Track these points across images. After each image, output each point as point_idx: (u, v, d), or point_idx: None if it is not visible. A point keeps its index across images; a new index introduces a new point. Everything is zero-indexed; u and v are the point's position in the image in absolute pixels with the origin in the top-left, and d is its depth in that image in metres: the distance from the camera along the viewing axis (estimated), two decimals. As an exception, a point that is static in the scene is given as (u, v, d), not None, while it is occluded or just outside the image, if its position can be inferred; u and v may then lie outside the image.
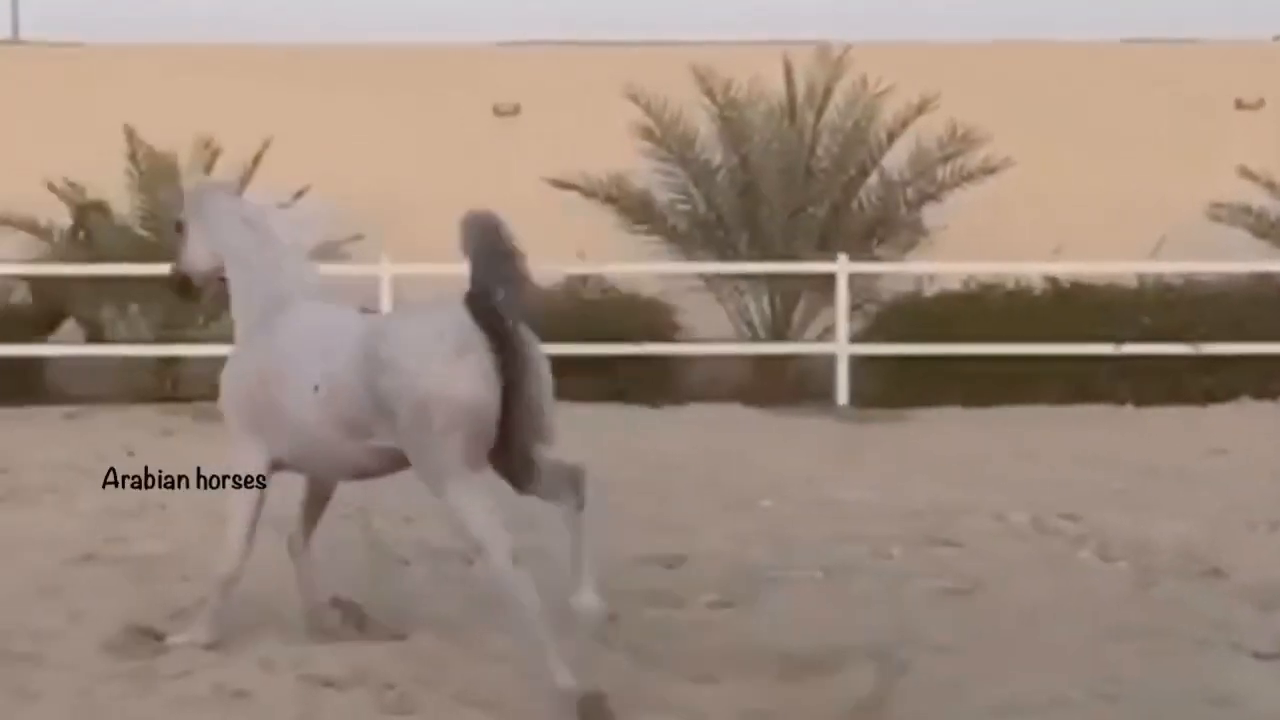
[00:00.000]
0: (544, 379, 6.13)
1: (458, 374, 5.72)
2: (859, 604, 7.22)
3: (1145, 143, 18.78)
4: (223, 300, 15.54)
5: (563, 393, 14.30)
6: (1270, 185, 15.84)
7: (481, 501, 5.92)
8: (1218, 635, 6.69)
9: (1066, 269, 15.24)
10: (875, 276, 15.52)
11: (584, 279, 15.47)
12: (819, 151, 15.69)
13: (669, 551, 8.18)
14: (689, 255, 15.93)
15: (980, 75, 18.42)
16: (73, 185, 15.27)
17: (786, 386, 15.19)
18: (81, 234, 15.33)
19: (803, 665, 6.27)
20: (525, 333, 5.99)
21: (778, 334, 15.62)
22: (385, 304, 14.71)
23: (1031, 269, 15.28)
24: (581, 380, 14.54)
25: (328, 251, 15.53)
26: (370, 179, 19.10)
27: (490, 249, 5.93)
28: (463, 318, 5.80)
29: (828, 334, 15.34)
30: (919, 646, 6.50)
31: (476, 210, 6.11)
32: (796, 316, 15.72)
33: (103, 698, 5.81)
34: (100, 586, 7.37)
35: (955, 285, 15.29)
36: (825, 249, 15.26)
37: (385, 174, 19.17)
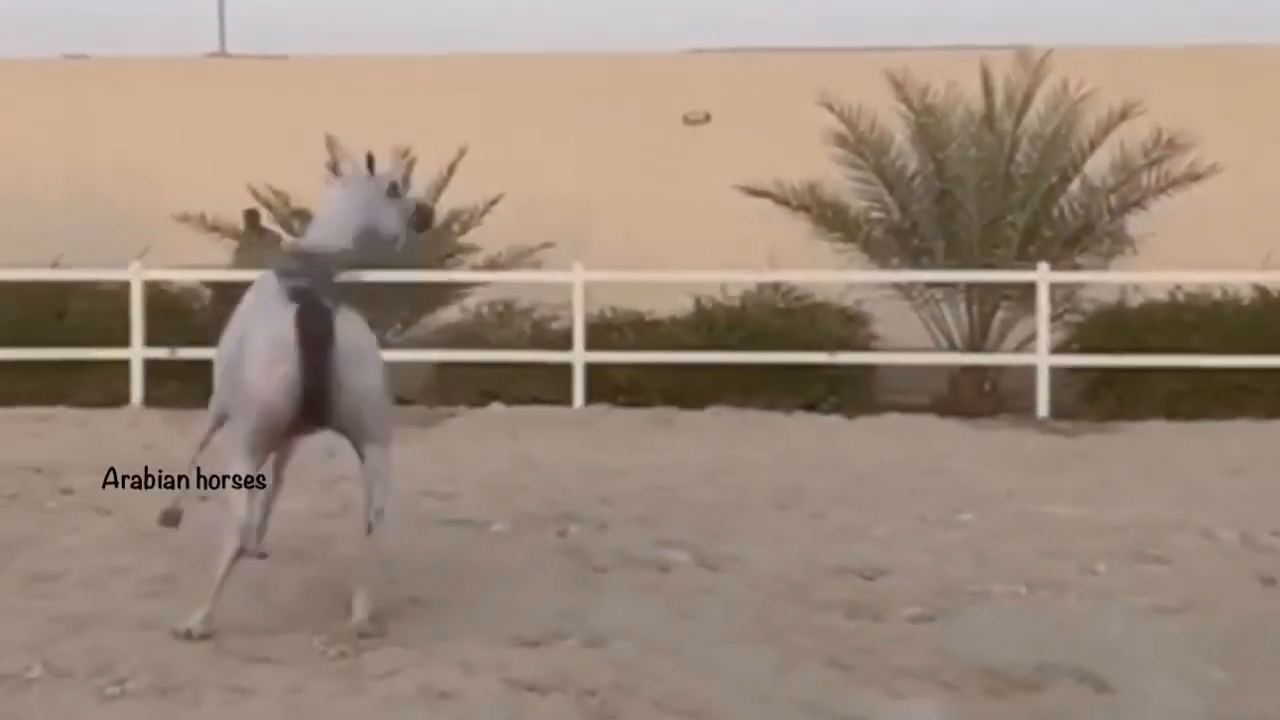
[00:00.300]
0: (355, 390, 6.93)
1: (267, 381, 6.78)
2: (1064, 621, 7.04)
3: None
4: (417, 306, 15.95)
5: (756, 401, 14.48)
6: None
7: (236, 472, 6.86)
8: None
9: (1276, 278, 14.73)
10: (1077, 286, 15.21)
11: (776, 287, 15.41)
12: (1018, 158, 15.42)
13: (868, 563, 8.08)
14: (883, 263, 15.77)
15: (1186, 79, 17.93)
16: (276, 193, 15.67)
17: (985, 397, 14.97)
18: (250, 239, 15.67)
19: (1006, 682, 6.13)
20: (347, 342, 6.95)
21: (975, 344, 15.38)
22: (578, 312, 14.82)
23: (1239, 278, 14.83)
24: (775, 389, 14.57)
25: (521, 259, 15.77)
26: (562, 187, 19.34)
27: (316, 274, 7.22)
28: (286, 331, 6.81)
29: (1027, 344, 15.06)
30: (1129, 666, 6.32)
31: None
32: (995, 326, 15.46)
33: (314, 696, 5.91)
34: (309, 586, 7.51)
35: (1160, 295, 14.91)
36: (1024, 258, 15.01)
37: (577, 182, 19.38)
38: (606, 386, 14.74)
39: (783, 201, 15.91)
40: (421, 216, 8.41)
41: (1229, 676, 6.23)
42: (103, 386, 14.96)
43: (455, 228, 15.78)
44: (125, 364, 14.95)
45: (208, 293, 15.87)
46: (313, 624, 6.83)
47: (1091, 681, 6.13)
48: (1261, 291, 14.71)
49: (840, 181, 15.90)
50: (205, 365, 14.60)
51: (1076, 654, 6.44)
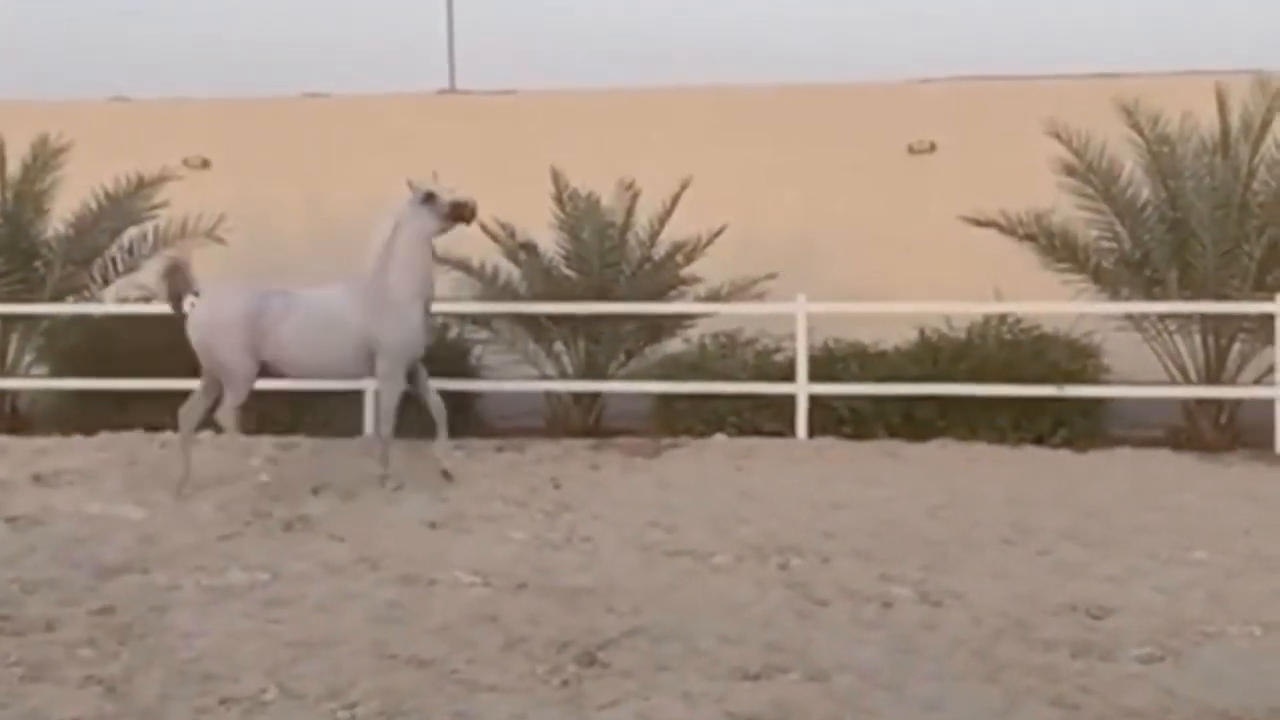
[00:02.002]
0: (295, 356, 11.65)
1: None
2: (1305, 666, 6.80)
3: None
4: (640, 338, 16.06)
5: (982, 434, 14.21)
6: None
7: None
8: None
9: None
10: (1317, 316, 14.63)
11: (1002, 319, 15.19)
12: (1255, 186, 14.92)
13: (1097, 601, 7.91)
14: (1113, 294, 15.41)
15: None
16: (504, 226, 15.98)
17: (1220, 431, 14.51)
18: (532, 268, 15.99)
19: (1241, 727, 5.96)
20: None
21: (1211, 376, 14.92)
22: (801, 343, 14.81)
23: None
24: (1001, 422, 14.34)
25: (744, 290, 15.81)
26: (786, 217, 19.35)
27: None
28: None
29: (1266, 377, 14.56)
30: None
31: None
32: (1231, 358, 14.97)
33: (537, 722, 6.04)
34: (533, 615, 7.66)
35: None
36: (1262, 288, 14.51)
37: (800, 212, 19.37)
38: (829, 418, 14.68)
39: (1009, 231, 15.66)
40: (456, 210, 11.77)
41: None
42: (338, 416, 15.43)
43: (679, 259, 15.89)
44: (359, 394, 15.41)
45: (437, 325, 16.24)
46: (537, 652, 6.97)
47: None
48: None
49: (1068, 211, 15.57)
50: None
51: (1317, 701, 6.22)
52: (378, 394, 12.30)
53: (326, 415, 15.42)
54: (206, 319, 11.50)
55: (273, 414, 14.92)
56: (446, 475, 11.76)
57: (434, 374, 15.27)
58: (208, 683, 6.52)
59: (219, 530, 10.03)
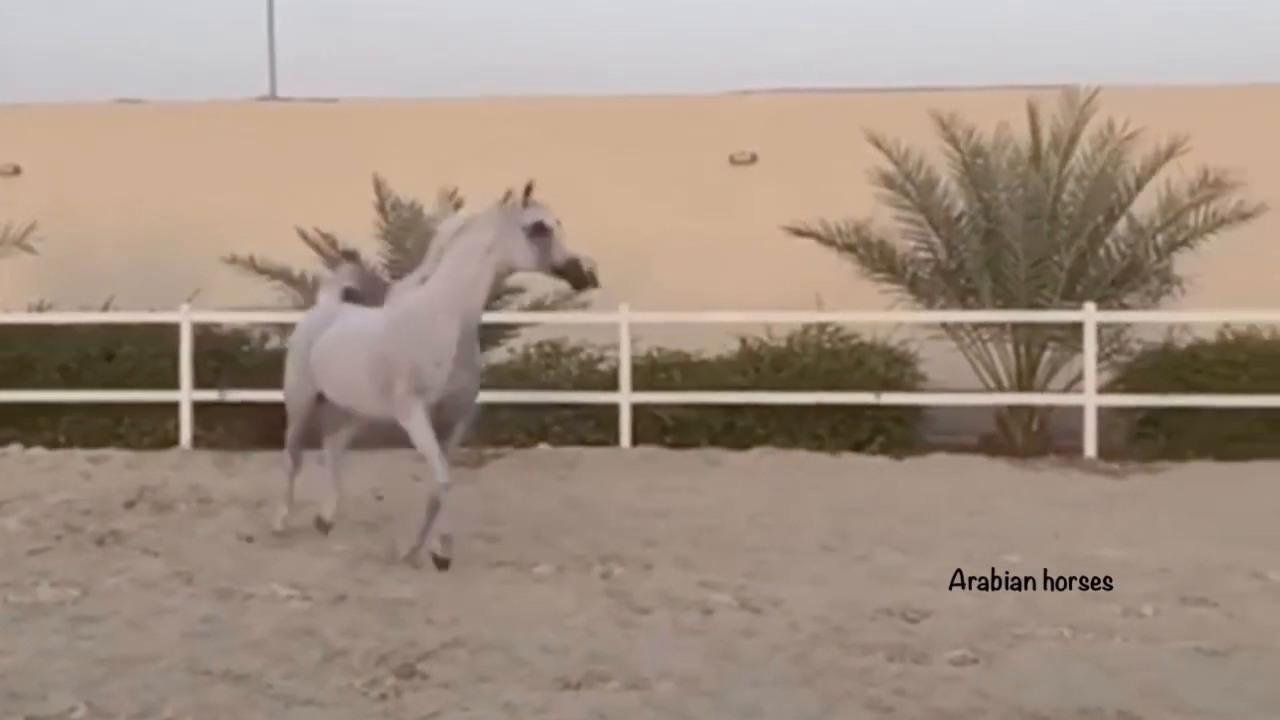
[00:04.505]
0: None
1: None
2: (1108, 664, 6.99)
3: None
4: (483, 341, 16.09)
5: (802, 442, 14.43)
6: None
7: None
8: None
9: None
10: (1124, 326, 15.13)
11: (822, 328, 15.41)
12: (1064, 198, 15.38)
13: (912, 606, 8.05)
14: (929, 303, 15.74)
15: (1234, 118, 17.82)
16: (325, 235, 15.79)
17: (1032, 438, 14.90)
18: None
19: (1051, 725, 6.10)
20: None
21: (1023, 384, 15.31)
22: (624, 352, 14.87)
23: (1289, 317, 14.72)
24: (821, 430, 14.55)
25: (567, 299, 15.83)
26: (609, 228, 19.37)
27: None
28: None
29: (1075, 384, 14.99)
30: (1173, 709, 6.27)
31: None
32: (1042, 366, 15.39)
33: (354, 737, 5.95)
34: (352, 627, 7.56)
35: (1208, 334, 14.81)
36: (1071, 297, 14.95)
37: (623, 223, 19.43)
38: (653, 427, 14.77)
39: (828, 242, 15.92)
40: (573, 267, 8.73)
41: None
42: (152, 428, 15.12)
43: (502, 269, 15.85)
44: (175, 406, 15.10)
45: (257, 334, 16.02)
46: (356, 665, 6.88)
47: (1136, 723, 6.09)
48: (1319, 327, 14.61)
49: (887, 222, 15.88)
50: (254, 407, 14.86)
51: (1120, 697, 6.40)
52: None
53: (144, 426, 15.10)
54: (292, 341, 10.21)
55: (85, 424, 14.58)
56: (438, 560, 8.98)
57: (253, 385, 15.13)
58: (14, 702, 6.31)
59: (28, 545, 9.73)
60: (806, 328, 15.42)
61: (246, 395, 14.97)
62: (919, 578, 8.82)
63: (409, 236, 15.67)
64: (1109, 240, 15.39)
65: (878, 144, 15.60)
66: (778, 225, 15.96)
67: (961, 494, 12.03)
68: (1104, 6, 33.57)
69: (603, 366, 15.27)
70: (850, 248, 15.88)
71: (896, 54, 30.48)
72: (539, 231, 8.61)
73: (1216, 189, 14.93)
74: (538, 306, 15.78)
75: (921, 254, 15.88)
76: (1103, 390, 14.65)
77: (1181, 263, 15.18)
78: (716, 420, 14.70)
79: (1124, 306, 15.27)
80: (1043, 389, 15.30)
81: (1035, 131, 15.62)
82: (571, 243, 8.73)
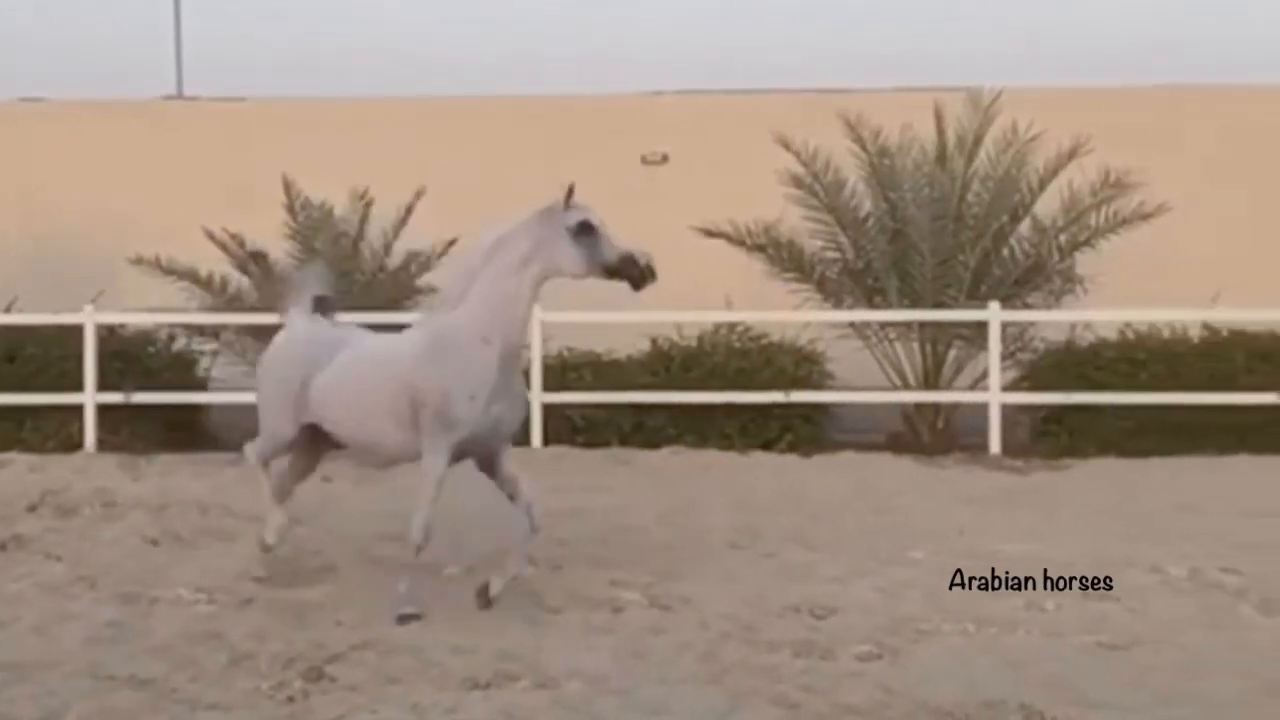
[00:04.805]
0: None
1: None
2: (1011, 658, 7.11)
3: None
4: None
5: (712, 441, 14.50)
6: None
7: None
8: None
9: (1224, 316, 14.92)
10: (1027, 324, 15.34)
11: (732, 327, 15.50)
12: (969, 198, 15.56)
13: (818, 602, 8.14)
14: (837, 303, 15.88)
15: (1135, 120, 18.12)
16: (233, 235, 15.66)
17: (938, 435, 15.07)
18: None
19: (953, 718, 6.19)
20: None
21: (929, 382, 15.49)
22: (535, 352, 14.87)
23: (1189, 316, 14.99)
24: (731, 429, 14.63)
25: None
26: (520, 228, 19.34)
27: None
28: None
29: (980, 383, 15.18)
30: (1075, 702, 6.38)
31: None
32: (948, 365, 15.57)
33: (260, 740, 5.93)
34: (259, 631, 7.51)
35: (1110, 333, 15.06)
36: (976, 297, 15.14)
37: (535, 223, 19.40)
38: (564, 427, 14.78)
39: (738, 242, 16.01)
40: (626, 264, 7.93)
41: (1175, 713, 6.30)
42: (56, 431, 14.91)
43: (413, 269, 15.81)
44: (79, 409, 14.90)
45: (163, 336, 15.84)
46: (262, 668, 6.84)
47: (1037, 718, 6.19)
48: (1210, 329, 14.88)
49: (796, 222, 15.99)
50: (160, 409, 14.70)
51: (1022, 691, 6.51)
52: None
53: (48, 429, 14.89)
54: (265, 360, 8.95)
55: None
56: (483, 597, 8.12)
57: (160, 386, 14.97)
58: (-88, 710, 6.23)
59: (-73, 552, 9.58)
60: (717, 327, 15.50)
61: (152, 397, 14.81)
62: (827, 575, 8.91)
63: (318, 237, 15.58)
64: (1013, 240, 15.60)
65: (786, 145, 15.70)
66: (689, 225, 16.01)
67: (869, 491, 12.15)
68: (1008, 9, 34.01)
69: (514, 367, 15.23)
70: (760, 248, 15.98)
71: (805, 55, 30.70)
72: (585, 231, 7.86)
73: (1117, 189, 15.17)
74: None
75: (830, 254, 16.01)
76: (1007, 388, 14.85)
77: (1083, 262, 15.41)
78: (627, 420, 14.75)
79: (1027, 306, 15.49)
80: (948, 387, 15.48)
81: (941, 133, 15.79)
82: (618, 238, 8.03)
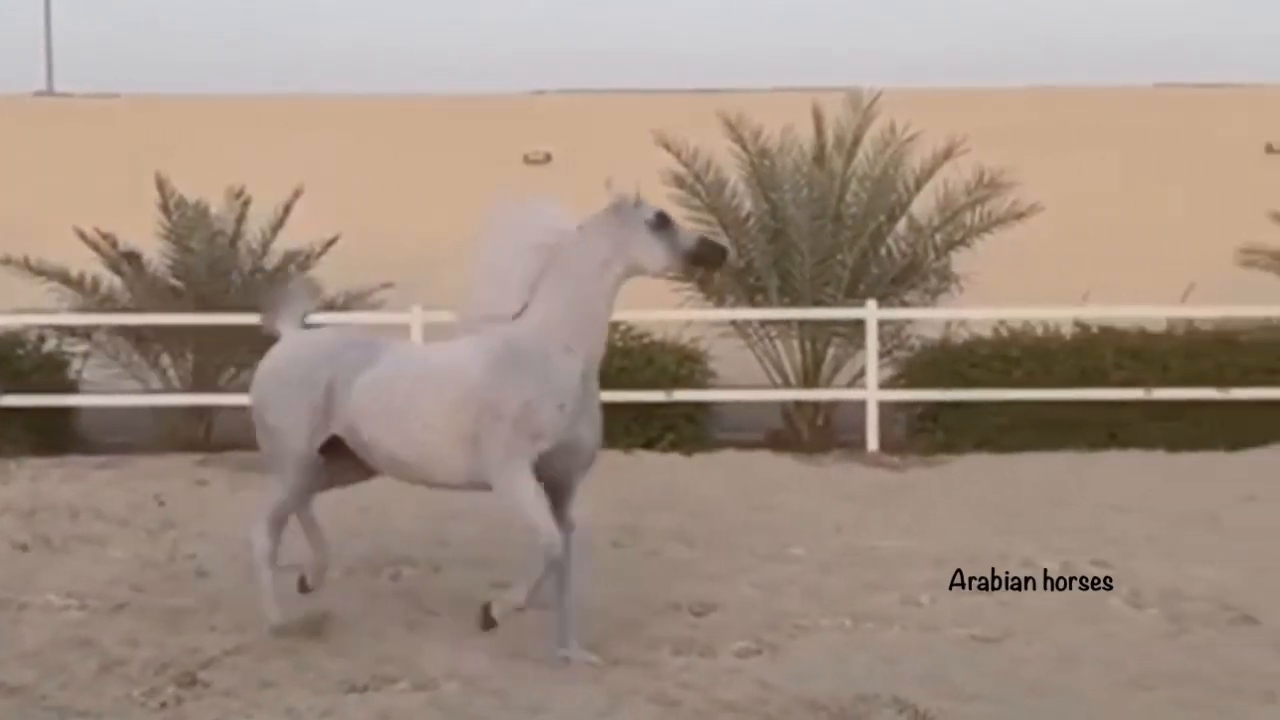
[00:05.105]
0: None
1: None
2: (888, 652, 7.20)
3: (1176, 187, 18.78)
4: (252, 349, 15.72)
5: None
6: (1302, 230, 15.79)
7: None
8: (1249, 683, 6.66)
9: (1095, 314, 15.22)
10: (904, 322, 15.53)
11: (614, 326, 15.50)
12: (848, 198, 15.71)
13: (699, 599, 8.19)
14: (719, 301, 15.97)
15: (1009, 120, 18.44)
16: (105, 235, 15.38)
17: (817, 433, 15.20)
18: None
19: (828, 713, 6.27)
20: None
21: (808, 380, 15.61)
22: (416, 352, 14.78)
23: (1060, 314, 15.27)
24: (613, 428, 14.61)
25: (359, 299, 15.68)
26: (402, 227, 19.26)
27: None
28: None
29: (858, 380, 15.34)
30: (948, 695, 6.48)
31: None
32: (827, 363, 15.71)
33: (132, 747, 5.84)
34: (131, 636, 7.41)
35: (984, 331, 15.30)
36: (855, 295, 15.29)
37: (417, 222, 19.32)
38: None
39: (620, 241, 16.00)
40: (703, 250, 7.56)
41: (1044, 704, 6.42)
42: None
43: (292, 268, 15.64)
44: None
45: (33, 337, 15.52)
46: (135, 675, 6.75)
47: (910, 711, 6.28)
48: (1081, 326, 15.17)
49: (678, 221, 16.02)
50: (29, 412, 14.39)
51: (897, 685, 6.60)
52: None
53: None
54: (265, 371, 7.72)
55: None
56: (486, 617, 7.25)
57: (29, 389, 14.65)
58: None
59: None
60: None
61: (21, 400, 14.50)
62: (707, 572, 8.96)
63: (193, 236, 15.36)
64: (890, 239, 15.78)
65: (666, 145, 15.76)
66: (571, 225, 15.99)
67: (749, 488, 12.23)
68: (887, 10, 34.45)
69: (395, 367, 15.13)
70: (641, 247, 15.98)
71: (686, 55, 30.86)
72: (663, 223, 7.36)
73: (991, 189, 15.39)
74: (329, 307, 15.57)
75: (711, 253, 16.05)
76: (884, 386, 15.02)
77: (959, 261, 15.62)
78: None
79: (904, 304, 15.67)
80: (827, 385, 15.62)
81: (820, 133, 15.92)
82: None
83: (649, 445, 14.51)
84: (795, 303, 15.40)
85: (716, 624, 7.75)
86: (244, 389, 15.03)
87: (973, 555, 9.33)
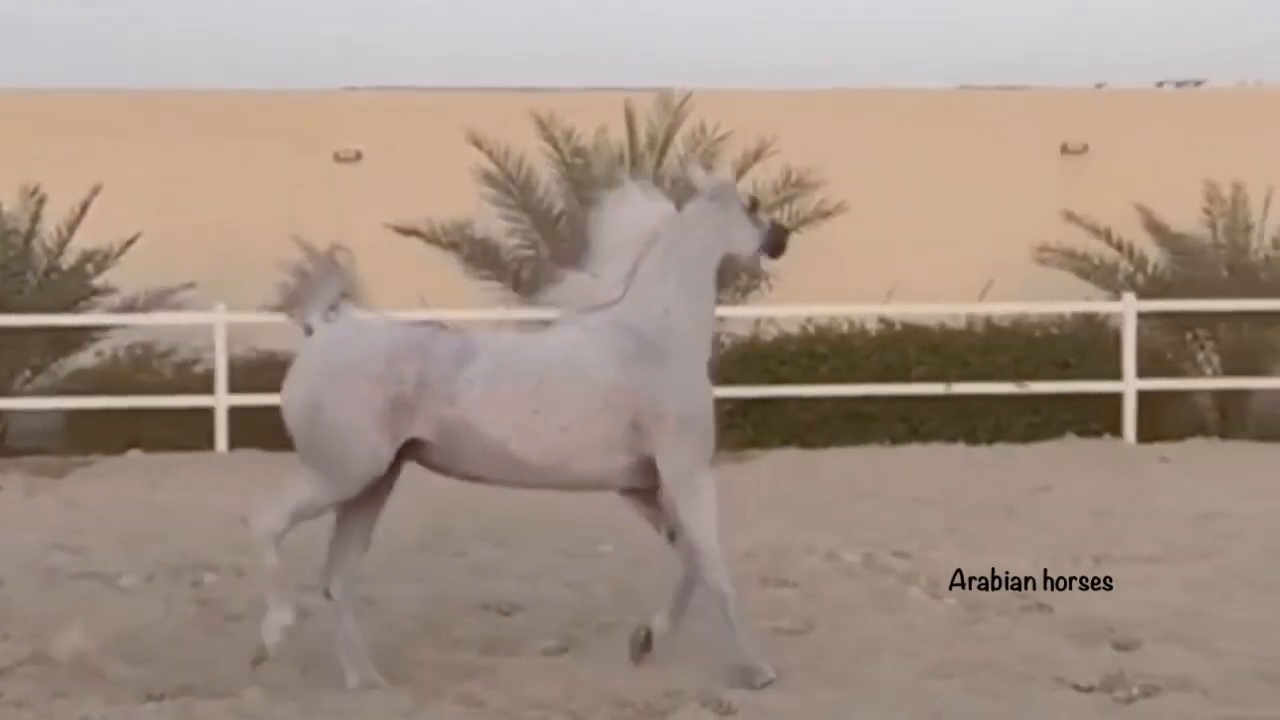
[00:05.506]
0: None
1: None
2: (693, 646, 7.25)
3: (976, 186, 19.23)
4: (48, 352, 15.24)
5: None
6: (1094, 229, 16.30)
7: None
8: (1041, 670, 6.83)
9: (899, 311, 15.55)
10: (715, 320, 15.65)
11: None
12: (660, 197, 15.80)
13: (507, 599, 8.18)
14: (533, 301, 15.97)
15: (816, 121, 18.71)
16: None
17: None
18: None
19: (634, 709, 6.30)
20: None
21: (620, 378, 15.67)
22: (220, 354, 14.53)
23: (865, 311, 15.57)
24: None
25: (161, 300, 15.35)
26: (206, 227, 18.86)
27: None
28: None
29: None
30: (748, 687, 6.55)
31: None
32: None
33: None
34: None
35: (792, 328, 15.52)
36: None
37: (222, 221, 18.94)
38: (254, 430, 14.45)
39: (433, 240, 15.95)
40: (779, 236, 7.19)
41: (846, 694, 6.52)
42: None
43: (89, 269, 15.26)
44: None
45: None
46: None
47: (714, 705, 6.33)
48: (885, 323, 15.49)
49: (491, 221, 16.02)
50: None
51: (701, 679, 6.65)
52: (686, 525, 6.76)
53: None
54: (318, 364, 6.80)
55: None
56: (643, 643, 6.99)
57: None
58: None
59: None
60: (412, 327, 15.37)
61: None
62: (515, 571, 8.96)
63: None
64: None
65: (478, 144, 15.72)
66: (383, 224, 15.89)
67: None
68: (697, 11, 34.78)
69: (199, 369, 14.87)
70: (455, 246, 15.96)
71: (497, 54, 30.77)
72: (754, 207, 7.14)
73: (799, 189, 15.67)
74: (128, 308, 15.24)
75: (525, 252, 16.09)
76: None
77: (767, 259, 15.81)
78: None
79: (715, 301, 15.80)
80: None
81: (632, 133, 16.03)
82: None
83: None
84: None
85: (524, 623, 7.74)
86: (40, 392, 14.75)
87: (780, 549, 9.46)
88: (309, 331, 6.90)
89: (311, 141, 19.98)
